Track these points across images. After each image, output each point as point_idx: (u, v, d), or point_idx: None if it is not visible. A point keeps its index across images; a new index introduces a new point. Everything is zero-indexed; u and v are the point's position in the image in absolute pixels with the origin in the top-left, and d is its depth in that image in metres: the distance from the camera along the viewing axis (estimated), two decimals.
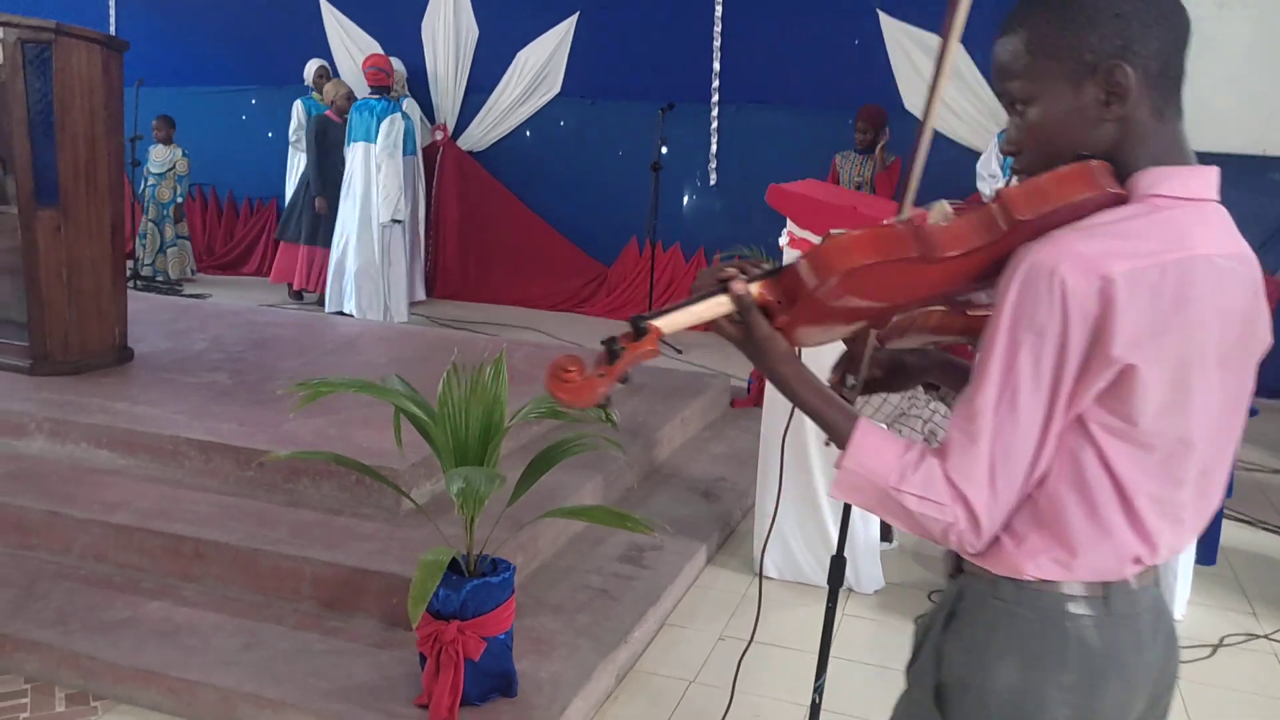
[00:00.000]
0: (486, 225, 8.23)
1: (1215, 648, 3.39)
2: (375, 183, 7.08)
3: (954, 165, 6.94)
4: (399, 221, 7.22)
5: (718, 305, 1.19)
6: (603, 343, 1.16)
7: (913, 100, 7.08)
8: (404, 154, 7.29)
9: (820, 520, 3.61)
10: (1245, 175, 6.50)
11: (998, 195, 1.14)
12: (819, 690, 2.18)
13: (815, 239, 3.42)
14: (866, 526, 3.61)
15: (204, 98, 8.85)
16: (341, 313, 7.22)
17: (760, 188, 7.52)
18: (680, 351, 4.85)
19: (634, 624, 3.17)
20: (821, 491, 3.59)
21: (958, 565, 1.27)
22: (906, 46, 7.11)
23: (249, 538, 3.24)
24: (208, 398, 4.16)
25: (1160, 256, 1.08)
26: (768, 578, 3.70)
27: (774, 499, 3.57)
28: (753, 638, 2.35)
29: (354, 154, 7.16)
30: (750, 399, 5.61)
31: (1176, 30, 1.15)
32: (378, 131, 7.07)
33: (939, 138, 7.02)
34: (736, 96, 7.48)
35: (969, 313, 1.53)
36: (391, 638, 2.97)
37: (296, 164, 8.12)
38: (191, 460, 3.68)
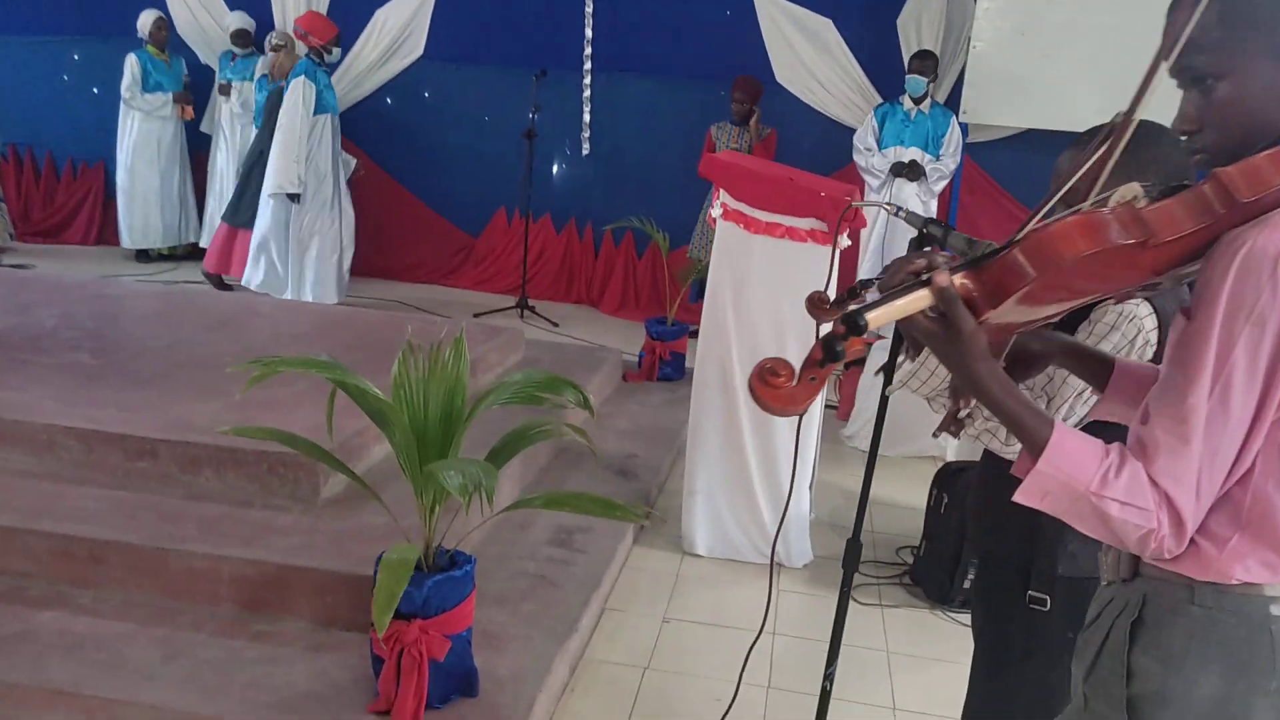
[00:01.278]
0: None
1: None
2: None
3: (825, 139, 7.06)
4: (293, 196, 6.48)
5: (918, 299, 1.09)
6: (823, 341, 1.05)
7: (784, 73, 7.11)
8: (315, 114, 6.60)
9: (752, 497, 3.58)
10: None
11: (1213, 176, 1.08)
12: (830, 678, 2.13)
13: (752, 212, 3.37)
14: (798, 501, 3.61)
15: (17, 48, 8.00)
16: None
17: (635, 158, 7.51)
18: (556, 325, 4.73)
19: (581, 611, 3.06)
20: (754, 468, 3.56)
21: (1134, 569, 1.22)
22: (778, 19, 7.12)
23: (152, 536, 2.93)
24: (76, 381, 3.75)
25: None
26: (697, 555, 3.65)
27: (705, 477, 3.53)
28: (762, 629, 2.30)
29: None
30: (642, 373, 5.54)
31: None
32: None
33: (811, 112, 7.14)
34: (610, 65, 7.33)
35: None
36: (329, 640, 2.75)
37: (131, 124, 7.46)
38: (70, 451, 3.30)
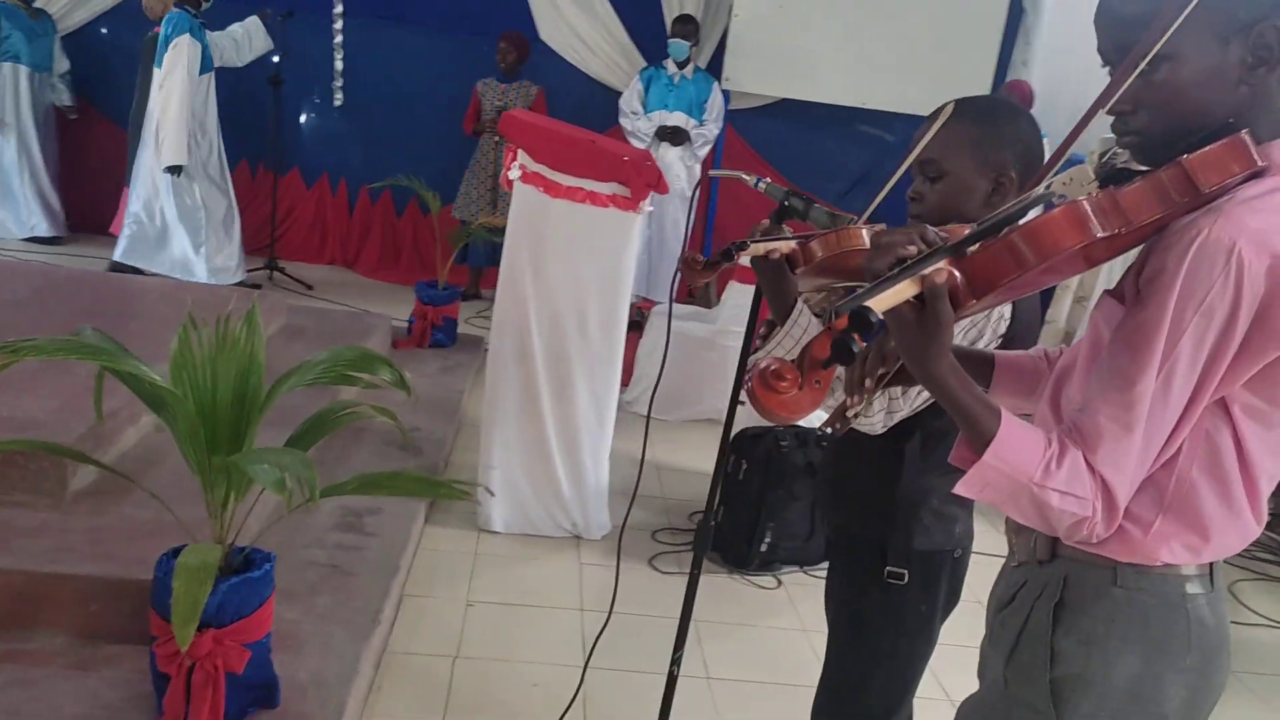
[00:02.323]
0: (65, 142, 6.92)
1: None
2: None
3: (590, 100, 6.98)
4: (176, 169, 5.78)
5: (905, 289, 1.01)
6: (841, 339, 0.94)
7: (548, 31, 6.95)
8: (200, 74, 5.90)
9: (552, 470, 3.48)
10: (840, 122, 7.19)
11: (1176, 164, 1.06)
12: (677, 662, 2.08)
13: (553, 175, 3.24)
14: (596, 473, 3.54)
15: None
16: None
17: (393, 112, 7.11)
18: (310, 288, 4.47)
19: (381, 601, 2.85)
20: (554, 440, 3.45)
21: (1052, 551, 1.21)
22: None
23: None
24: None
25: None
26: (493, 532, 3.51)
27: (502, 451, 3.39)
28: (611, 610, 2.21)
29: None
30: (413, 339, 5.28)
31: None
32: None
33: (575, 72, 7.02)
34: (364, 10, 6.87)
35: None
36: (94, 655, 2.41)
37: None
38: None
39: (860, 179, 7.44)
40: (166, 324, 3.72)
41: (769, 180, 1.82)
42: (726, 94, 6.76)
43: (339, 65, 6.96)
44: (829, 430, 1.31)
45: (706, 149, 6.59)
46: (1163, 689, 1.17)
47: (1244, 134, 1.07)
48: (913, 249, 1.05)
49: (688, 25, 6.38)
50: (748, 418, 3.87)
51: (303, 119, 7.16)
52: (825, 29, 6.79)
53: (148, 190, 5.89)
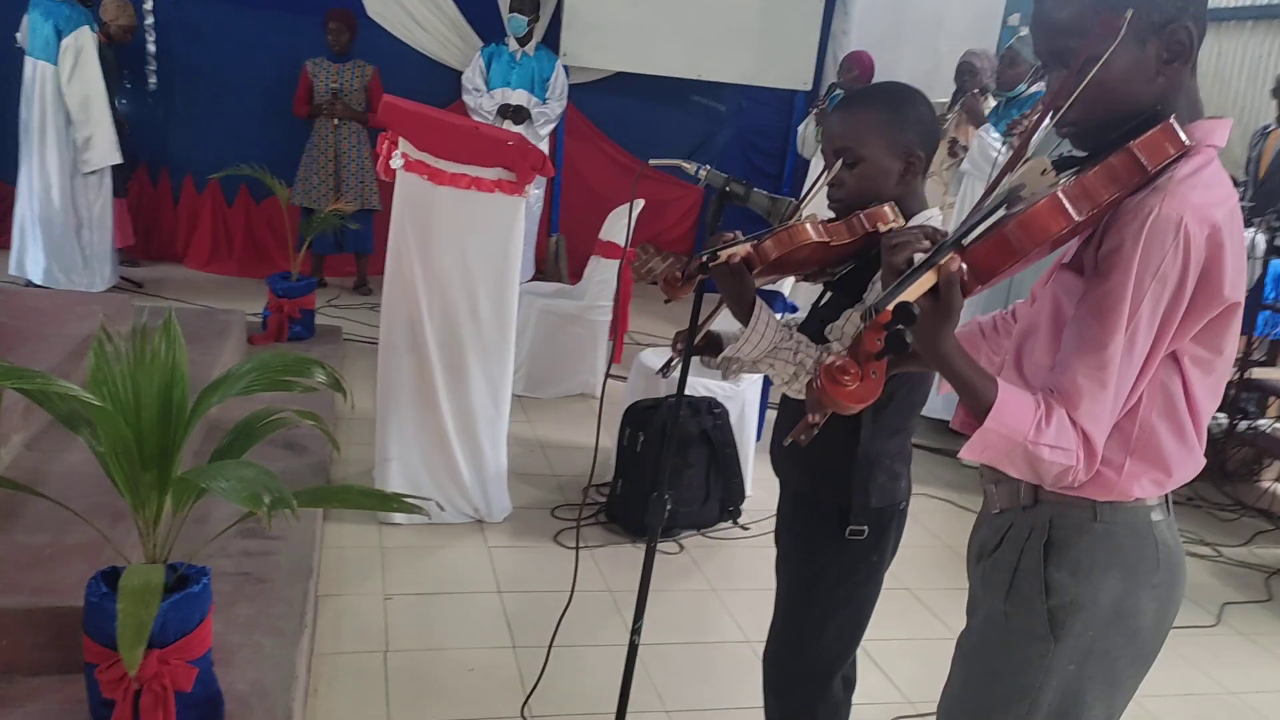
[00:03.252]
0: None
1: None
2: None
3: (427, 78, 6.86)
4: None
5: (926, 281, 1.13)
6: (895, 331, 1.04)
7: (376, 7, 6.77)
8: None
9: (450, 457, 3.48)
10: (676, 95, 7.36)
11: (1126, 149, 1.20)
12: (637, 631, 2.16)
13: (436, 162, 3.24)
14: (495, 457, 3.57)
15: None
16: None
17: (216, 94, 6.78)
18: (140, 286, 4.41)
19: (302, 604, 2.80)
20: (451, 426, 3.46)
21: (1034, 497, 1.36)
22: None
23: None
24: None
25: (1229, 202, 1.25)
26: (395, 524, 3.49)
27: (398, 442, 3.38)
28: (572, 593, 2.27)
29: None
30: (269, 334, 5.11)
31: None
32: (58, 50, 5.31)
33: (409, 50, 6.88)
34: None
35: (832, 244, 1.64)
36: (12, 691, 2.28)
37: None
38: None
39: (697, 148, 7.65)
40: (21, 336, 3.50)
41: (709, 167, 1.90)
42: (566, 69, 6.79)
43: (151, 47, 6.58)
44: (799, 440, 1.39)
45: (549, 127, 6.61)
46: (1138, 605, 1.35)
47: (1173, 119, 1.24)
48: (926, 243, 1.17)
49: (524, 1, 6.37)
50: (640, 390, 3.98)
51: (115, 105, 6.73)
52: (656, 3, 6.92)
53: (43, 200, 5.58)
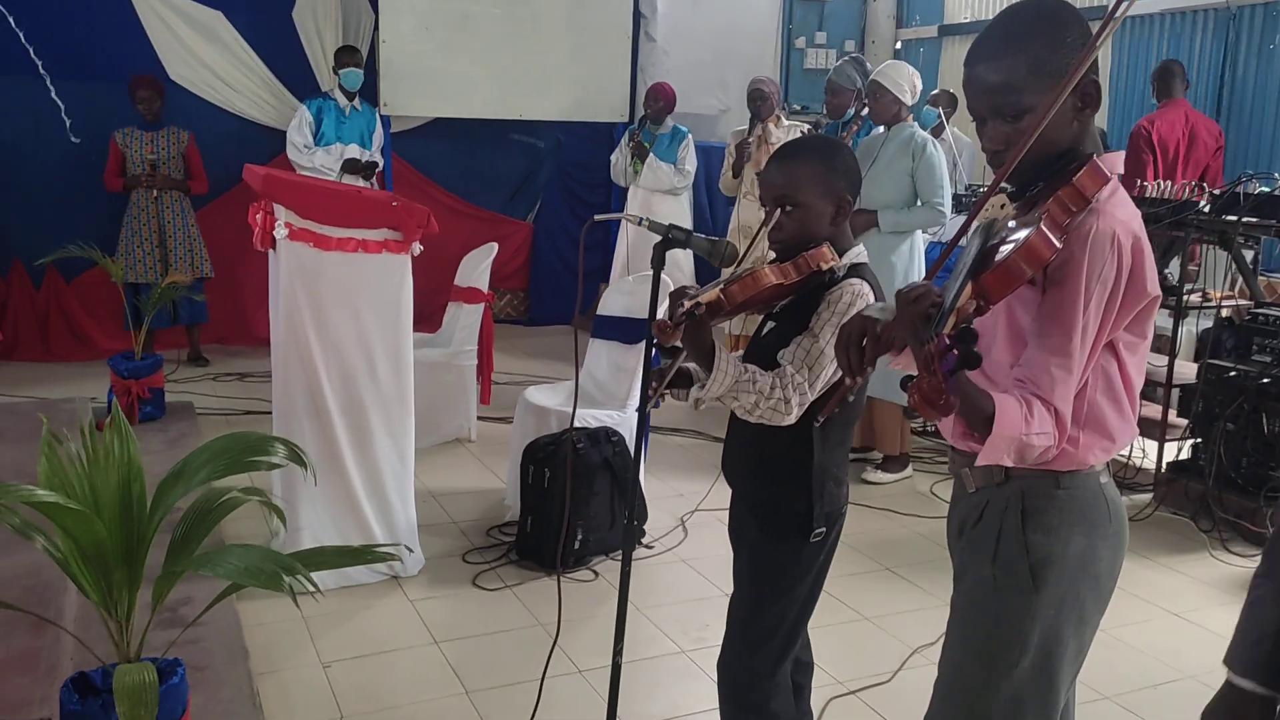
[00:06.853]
0: None
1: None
2: None
3: (241, 138, 6.73)
4: None
5: (967, 303, 1.35)
6: (966, 353, 1.23)
7: (179, 70, 6.59)
8: None
9: (361, 516, 3.49)
10: (497, 135, 7.49)
11: (1070, 185, 1.46)
12: (619, 653, 2.29)
13: (322, 229, 3.28)
14: (405, 511, 3.60)
15: None
16: None
17: (27, 171, 6.35)
18: None
19: (248, 684, 2.78)
20: (359, 485, 3.47)
21: (1006, 474, 1.61)
22: (161, 12, 6.53)
23: None
24: None
25: (1139, 217, 1.54)
26: (310, 593, 3.45)
27: (308, 511, 3.39)
28: (557, 635, 2.35)
29: None
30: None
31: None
32: None
33: (220, 111, 6.72)
34: None
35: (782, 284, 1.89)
36: None
37: None
38: None
39: (520, 187, 7.81)
40: None
41: (648, 219, 2.08)
42: (386, 119, 6.81)
43: None
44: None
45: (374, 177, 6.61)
46: (1097, 555, 1.62)
47: (1095, 158, 1.52)
48: (935, 294, 1.37)
49: (355, 55, 6.38)
50: (530, 429, 4.08)
51: None
52: (469, 48, 7.04)
53: None
